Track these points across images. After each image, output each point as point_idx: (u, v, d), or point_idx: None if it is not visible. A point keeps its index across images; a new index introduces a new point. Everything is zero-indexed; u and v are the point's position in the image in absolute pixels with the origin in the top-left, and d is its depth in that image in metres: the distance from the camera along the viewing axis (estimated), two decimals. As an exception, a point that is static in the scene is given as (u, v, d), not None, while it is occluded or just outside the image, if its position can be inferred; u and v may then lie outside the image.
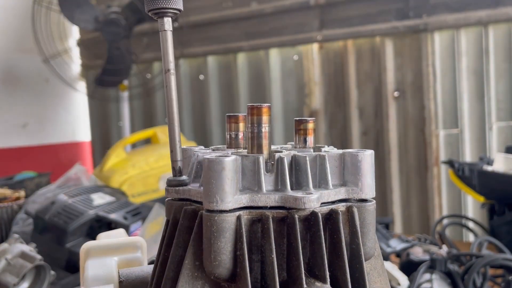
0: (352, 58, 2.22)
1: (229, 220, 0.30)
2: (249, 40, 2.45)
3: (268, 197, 0.31)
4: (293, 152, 0.33)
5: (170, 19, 0.36)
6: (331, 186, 0.33)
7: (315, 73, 2.31)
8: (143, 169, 1.77)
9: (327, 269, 0.30)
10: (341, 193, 0.33)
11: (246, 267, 0.29)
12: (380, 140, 2.18)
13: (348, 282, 0.31)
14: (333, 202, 0.33)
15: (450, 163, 1.46)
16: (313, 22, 2.28)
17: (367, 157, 0.33)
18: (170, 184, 0.36)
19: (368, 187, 0.33)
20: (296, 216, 0.31)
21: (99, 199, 1.30)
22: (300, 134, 0.38)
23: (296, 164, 0.33)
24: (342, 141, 2.26)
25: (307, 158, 0.32)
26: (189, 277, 0.32)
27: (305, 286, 0.30)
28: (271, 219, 0.31)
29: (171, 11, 0.36)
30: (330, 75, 2.30)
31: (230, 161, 0.31)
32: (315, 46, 2.31)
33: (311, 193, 0.31)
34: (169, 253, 0.34)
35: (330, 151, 0.36)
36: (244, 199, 0.31)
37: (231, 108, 2.52)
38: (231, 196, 0.31)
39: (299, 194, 0.31)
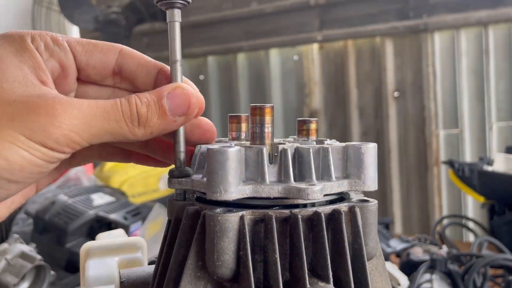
0: (352, 58, 2.22)
1: (232, 220, 0.30)
2: (249, 40, 2.45)
3: (271, 188, 0.31)
4: (296, 144, 0.33)
5: (179, 10, 0.37)
6: (334, 178, 0.33)
7: (315, 73, 2.31)
8: (143, 169, 1.77)
9: (330, 269, 0.30)
10: (344, 186, 0.33)
11: (249, 267, 0.29)
12: (380, 140, 2.18)
13: (351, 282, 0.30)
14: (335, 199, 0.33)
15: (450, 163, 1.47)
16: (313, 22, 2.28)
17: (370, 149, 0.33)
18: (172, 175, 0.36)
19: (370, 180, 0.33)
20: (299, 216, 0.31)
21: (99, 199, 1.30)
22: (303, 134, 0.38)
23: (299, 156, 0.33)
24: (341, 141, 2.27)
25: (311, 150, 0.32)
26: (192, 277, 0.32)
27: (308, 286, 0.29)
28: (274, 219, 0.30)
29: (180, 1, 0.36)
30: (330, 75, 2.30)
31: (234, 152, 0.31)
32: (315, 46, 2.31)
33: (314, 185, 0.31)
34: (171, 253, 0.34)
35: (333, 144, 0.35)
36: (247, 190, 0.31)
37: (231, 108, 2.52)
38: (235, 187, 0.30)
39: (302, 185, 0.31)
